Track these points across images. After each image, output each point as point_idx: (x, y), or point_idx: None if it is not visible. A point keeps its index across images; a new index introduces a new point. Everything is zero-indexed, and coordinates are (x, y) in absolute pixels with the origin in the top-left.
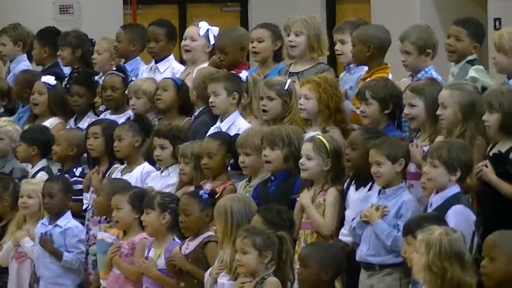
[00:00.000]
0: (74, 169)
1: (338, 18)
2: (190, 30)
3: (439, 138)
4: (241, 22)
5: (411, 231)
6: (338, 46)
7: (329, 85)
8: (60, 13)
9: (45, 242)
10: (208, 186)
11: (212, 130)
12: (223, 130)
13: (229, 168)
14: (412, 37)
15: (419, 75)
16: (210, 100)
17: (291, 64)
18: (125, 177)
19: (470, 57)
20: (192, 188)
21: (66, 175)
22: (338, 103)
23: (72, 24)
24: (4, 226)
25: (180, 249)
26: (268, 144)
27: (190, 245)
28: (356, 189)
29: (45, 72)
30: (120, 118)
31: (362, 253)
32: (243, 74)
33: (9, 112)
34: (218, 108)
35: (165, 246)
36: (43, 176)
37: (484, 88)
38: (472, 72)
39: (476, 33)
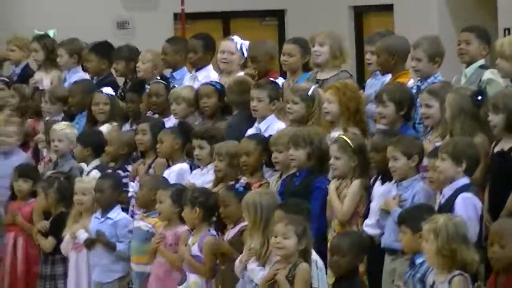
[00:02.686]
0: (126, 166)
1: (365, 30)
2: (227, 45)
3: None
4: (278, 34)
5: (403, 221)
6: (368, 56)
7: (348, 89)
8: (117, 28)
9: (99, 238)
10: (243, 180)
11: (251, 131)
12: (262, 131)
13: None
14: (424, 46)
15: (428, 80)
16: (254, 104)
17: (317, 71)
18: (166, 172)
19: (480, 63)
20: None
21: (120, 171)
22: (357, 105)
23: (128, 39)
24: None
25: (224, 236)
26: (293, 144)
27: (231, 232)
28: (382, 183)
29: (102, 81)
30: (166, 122)
31: (386, 240)
32: (280, 81)
33: (69, 117)
34: (260, 112)
35: (200, 236)
36: (96, 174)
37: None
38: (489, 74)
39: (483, 35)
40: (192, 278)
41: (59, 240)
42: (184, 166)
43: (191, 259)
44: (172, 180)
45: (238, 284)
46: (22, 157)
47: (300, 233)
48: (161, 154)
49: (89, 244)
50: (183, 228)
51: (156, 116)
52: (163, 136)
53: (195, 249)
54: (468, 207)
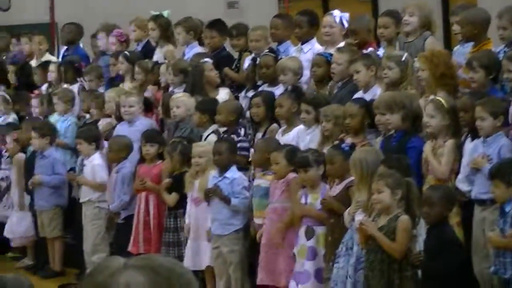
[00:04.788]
0: (239, 130)
1: (451, 2)
2: (327, 19)
3: None
4: (372, 9)
5: (495, 175)
6: (455, 27)
7: (435, 56)
8: (228, 8)
9: (216, 192)
10: (348, 140)
11: (355, 97)
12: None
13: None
14: (508, 15)
15: None
16: (355, 77)
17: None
18: (286, 136)
19: None
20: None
21: (233, 135)
22: (445, 69)
23: (237, 17)
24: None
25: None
26: (388, 109)
27: (336, 189)
28: (472, 140)
29: (219, 55)
30: (275, 90)
31: (476, 192)
32: (379, 52)
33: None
34: (362, 83)
35: (320, 191)
36: (213, 138)
37: None
38: None
39: None
40: (320, 230)
41: (182, 196)
42: (302, 127)
43: (319, 213)
44: (292, 140)
45: (346, 234)
46: (144, 122)
47: (392, 185)
48: (281, 117)
49: (207, 195)
50: (291, 176)
51: (266, 85)
52: (283, 101)
53: (318, 204)
54: None
